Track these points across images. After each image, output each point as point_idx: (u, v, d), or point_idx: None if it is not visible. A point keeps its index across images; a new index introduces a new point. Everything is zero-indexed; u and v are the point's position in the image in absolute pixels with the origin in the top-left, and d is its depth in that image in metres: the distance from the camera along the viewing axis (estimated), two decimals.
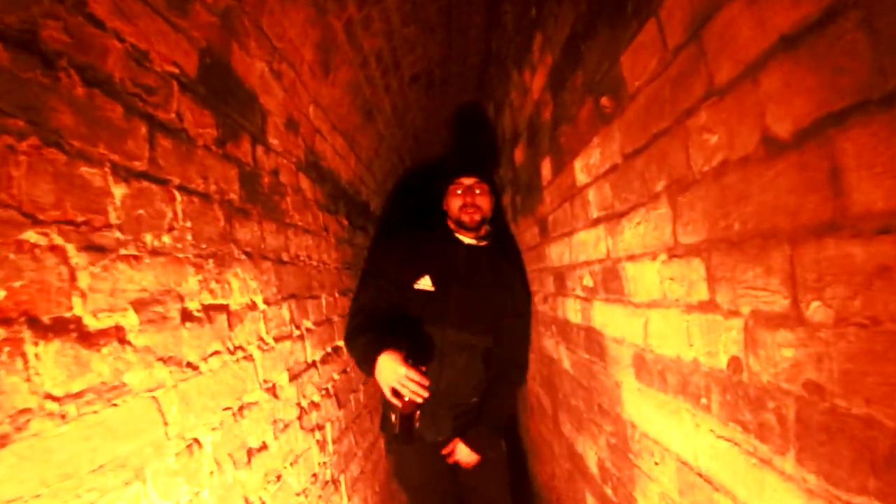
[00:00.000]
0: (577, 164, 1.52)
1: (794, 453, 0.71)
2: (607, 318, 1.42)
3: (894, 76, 0.50)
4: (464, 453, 2.10)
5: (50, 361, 0.69)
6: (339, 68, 2.11)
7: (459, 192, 2.07)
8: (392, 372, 1.60)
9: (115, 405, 0.79)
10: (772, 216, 0.70)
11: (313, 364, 1.73)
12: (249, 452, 1.21)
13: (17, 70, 0.70)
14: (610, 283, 1.36)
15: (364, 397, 2.52)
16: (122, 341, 0.83)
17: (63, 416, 0.71)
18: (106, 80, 0.86)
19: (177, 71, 1.07)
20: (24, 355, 0.66)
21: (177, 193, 1.03)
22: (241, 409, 1.18)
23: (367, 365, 1.72)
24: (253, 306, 1.30)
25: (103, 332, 0.79)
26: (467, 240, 2.10)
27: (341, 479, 1.92)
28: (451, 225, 2.13)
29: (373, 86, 2.59)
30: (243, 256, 1.27)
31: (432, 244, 2.12)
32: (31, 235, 0.68)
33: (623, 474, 1.44)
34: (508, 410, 2.37)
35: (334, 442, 1.88)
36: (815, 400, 0.66)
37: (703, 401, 0.94)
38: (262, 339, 1.33)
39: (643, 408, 1.23)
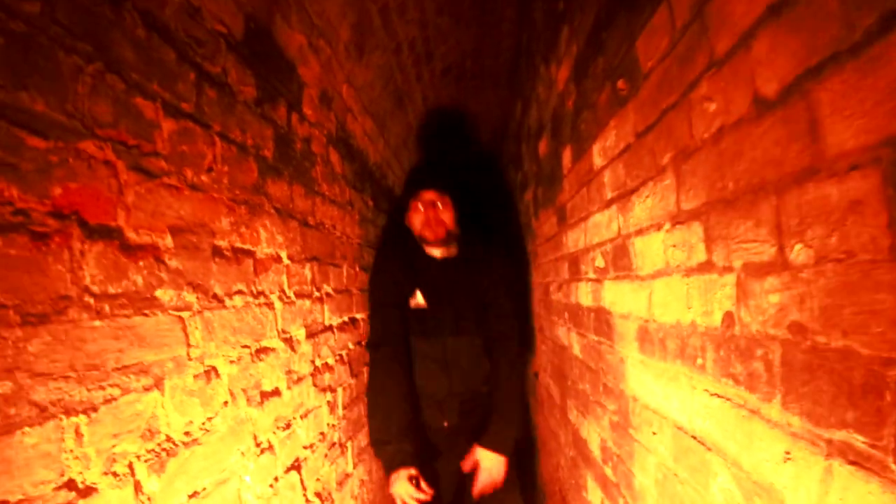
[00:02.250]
0: (595, 148, 1.57)
1: (780, 398, 0.75)
2: (616, 295, 1.47)
3: (860, 27, 0.55)
4: (486, 459, 2.12)
5: (92, 260, 0.77)
6: (373, 52, 2.20)
7: (421, 207, 2.13)
8: (404, 490, 1.92)
9: (145, 314, 0.87)
10: (761, 170, 0.75)
11: (330, 328, 1.80)
12: (263, 394, 1.28)
13: (89, 3, 0.78)
14: (619, 260, 1.41)
15: None
16: (158, 259, 0.91)
17: (98, 312, 0.78)
18: (163, 27, 0.95)
19: (225, 30, 1.16)
20: (70, 249, 0.74)
21: (217, 139, 1.12)
22: (258, 351, 1.26)
23: (384, 462, 2.03)
24: (278, 259, 1.38)
25: (142, 247, 0.87)
26: (437, 252, 2.19)
27: (349, 445, 1.98)
28: (418, 240, 2.21)
29: (404, 73, 2.67)
30: (273, 211, 1.35)
31: (413, 259, 2.22)
32: (88, 146, 0.77)
33: (623, 451, 1.48)
34: (519, 394, 2.37)
35: (344, 407, 1.95)
36: (799, 340, 0.70)
37: (700, 361, 0.98)
38: (283, 290, 1.41)
39: (645, 379, 1.27)
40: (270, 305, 1.33)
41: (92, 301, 0.77)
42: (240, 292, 1.17)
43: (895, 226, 0.54)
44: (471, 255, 2.29)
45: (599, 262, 1.60)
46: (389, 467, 1.99)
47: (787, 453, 0.74)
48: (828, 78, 0.61)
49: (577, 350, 1.98)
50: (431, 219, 2.10)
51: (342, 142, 2.01)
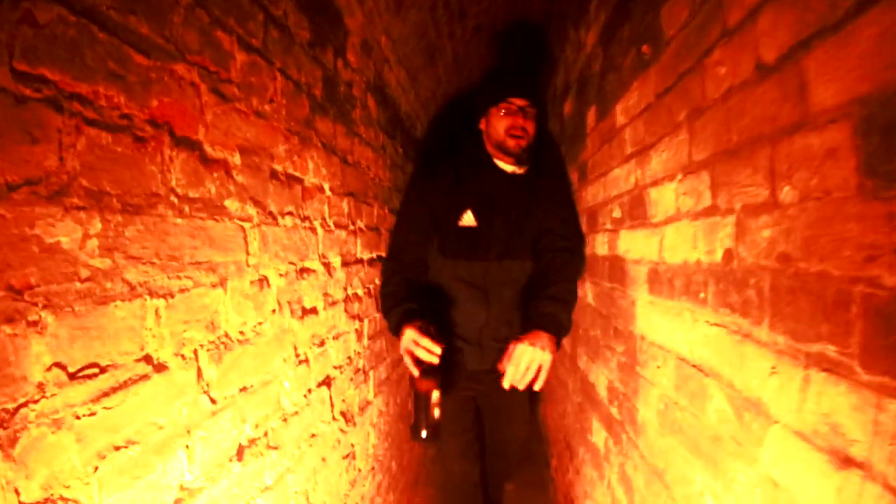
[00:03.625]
0: (619, 107, 1.67)
1: (768, 320, 0.86)
2: (630, 243, 1.58)
3: (842, 8, 0.67)
4: (526, 354, 1.62)
5: (178, 167, 0.90)
6: (410, 8, 2.27)
7: (509, 113, 1.89)
8: (409, 339, 1.65)
9: (216, 220, 1.01)
10: (759, 125, 0.87)
11: (361, 261, 1.94)
12: (304, 310, 1.43)
13: None
14: (635, 209, 1.52)
15: None
16: (228, 173, 1.04)
17: (180, 212, 0.91)
18: None
19: None
20: (162, 154, 0.86)
21: (278, 74, 1.24)
22: (301, 270, 1.40)
23: (392, 325, 1.83)
24: (321, 189, 1.51)
25: (216, 161, 1.00)
26: (509, 168, 1.97)
27: (371, 374, 2.14)
28: (490, 149, 1.98)
29: (438, 30, 2.74)
30: (319, 145, 1.48)
31: (469, 174, 1.99)
32: (180, 67, 0.89)
33: (629, 388, 1.61)
34: (572, 304, 1.97)
35: (369, 338, 2.10)
36: (784, 268, 0.81)
37: (702, 295, 1.10)
38: (324, 219, 1.54)
39: (652, 318, 1.40)
40: (314, 230, 1.46)
41: (176, 201, 0.90)
42: (290, 213, 1.31)
43: (861, 169, 0.65)
44: (536, 177, 2.07)
45: (616, 213, 1.71)
46: (398, 326, 1.76)
47: (773, 368, 0.85)
48: (815, 48, 0.73)
49: (590, 298, 2.10)
50: (519, 126, 1.88)
51: (378, 90, 2.12)
